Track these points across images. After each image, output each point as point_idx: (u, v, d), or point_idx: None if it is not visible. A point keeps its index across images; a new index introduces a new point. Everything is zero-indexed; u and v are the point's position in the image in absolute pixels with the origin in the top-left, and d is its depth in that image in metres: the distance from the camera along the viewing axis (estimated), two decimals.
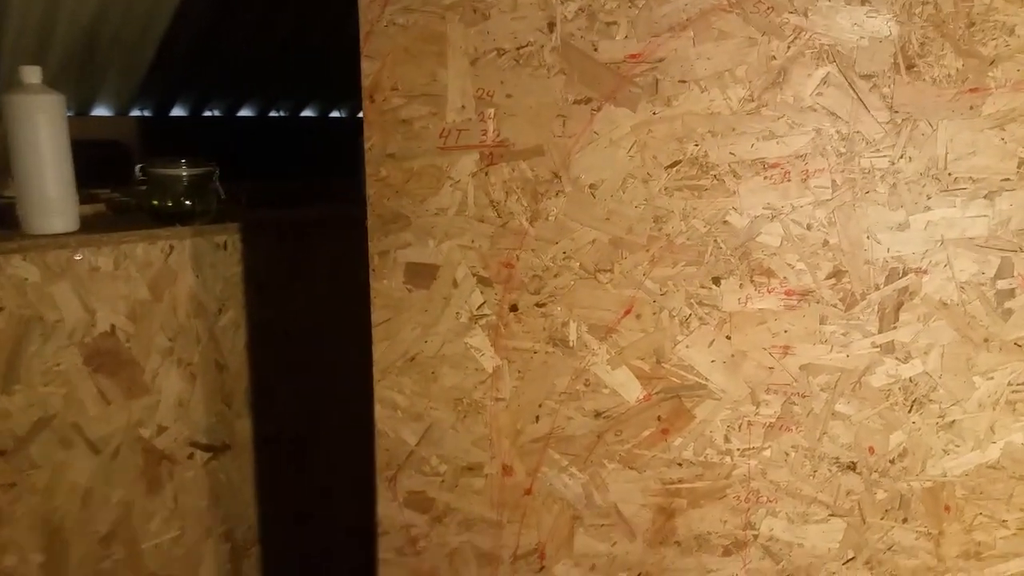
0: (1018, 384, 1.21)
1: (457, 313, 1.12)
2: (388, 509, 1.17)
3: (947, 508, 1.23)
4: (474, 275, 1.11)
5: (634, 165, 1.10)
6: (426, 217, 1.10)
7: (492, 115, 1.07)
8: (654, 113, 1.09)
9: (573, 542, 1.20)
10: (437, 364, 1.13)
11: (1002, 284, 1.18)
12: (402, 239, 1.10)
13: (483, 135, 1.08)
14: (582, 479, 1.18)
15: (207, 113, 2.59)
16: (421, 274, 1.11)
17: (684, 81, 1.08)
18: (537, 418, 1.16)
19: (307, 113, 2.86)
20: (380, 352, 1.13)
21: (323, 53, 2.29)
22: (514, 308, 1.12)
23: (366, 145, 1.07)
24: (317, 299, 1.48)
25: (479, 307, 1.12)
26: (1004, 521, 1.23)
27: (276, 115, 2.78)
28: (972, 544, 1.23)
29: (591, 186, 1.10)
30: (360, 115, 1.07)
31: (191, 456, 1.43)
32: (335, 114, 2.97)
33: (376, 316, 1.11)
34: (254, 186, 1.72)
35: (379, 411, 1.14)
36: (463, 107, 1.07)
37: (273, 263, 1.45)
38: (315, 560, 1.60)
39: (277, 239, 1.46)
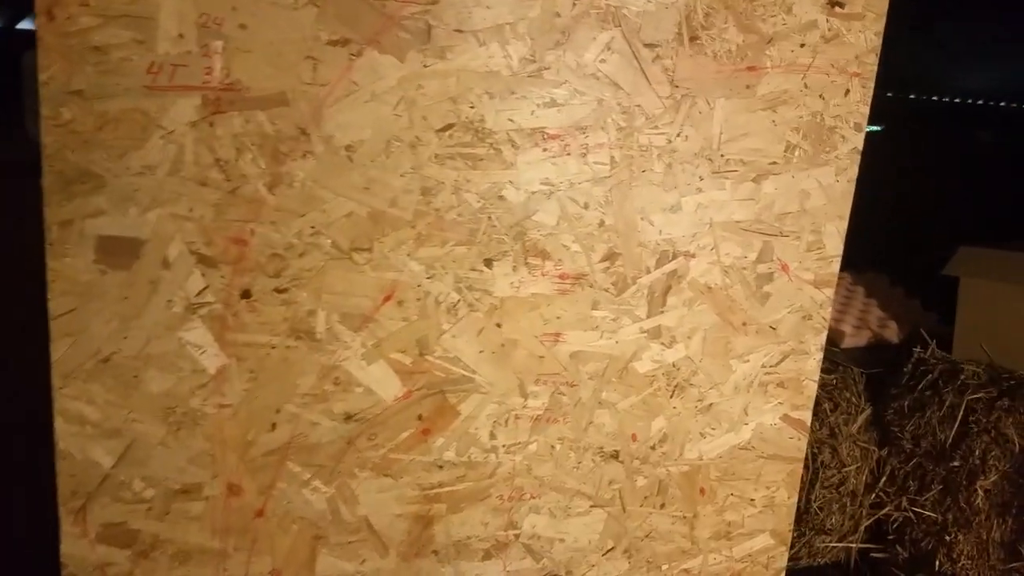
0: (770, 366, 1.27)
1: (169, 301, 0.93)
2: (75, 547, 0.97)
3: (702, 491, 1.27)
4: (193, 253, 0.92)
5: (400, 126, 0.97)
6: (127, 177, 0.88)
7: (220, 49, 0.88)
8: (425, 65, 0.96)
9: (315, 565, 1.08)
10: (141, 366, 0.93)
11: (762, 268, 1.23)
12: (93, 205, 0.88)
13: (207, 74, 0.88)
14: (327, 493, 1.05)
15: None
16: (119, 251, 0.90)
17: (460, 31, 0.96)
18: (274, 426, 1.01)
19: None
20: (61, 352, 0.90)
21: None
22: (246, 294, 0.95)
23: (41, 77, 0.83)
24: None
25: (199, 293, 0.93)
26: (752, 500, 1.31)
27: None
28: (723, 524, 1.30)
29: (348, 148, 0.96)
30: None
31: None
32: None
33: (56, 305, 0.88)
34: None
35: (61, 426, 0.92)
36: (181, 36, 0.86)
37: None
38: None
39: None
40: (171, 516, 1.02)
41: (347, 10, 0.94)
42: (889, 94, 3.42)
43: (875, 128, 3.46)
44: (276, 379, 1.02)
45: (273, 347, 1.01)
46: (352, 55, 0.95)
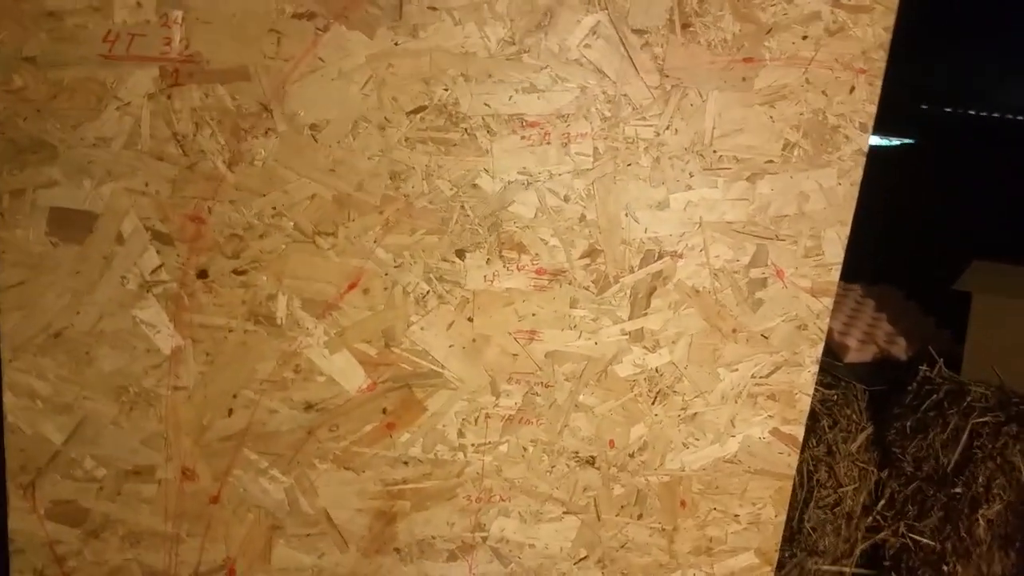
0: (761, 377, 1.21)
1: (123, 278, 0.90)
2: (24, 522, 0.95)
3: (683, 503, 1.22)
4: (148, 229, 0.90)
5: (369, 106, 0.93)
6: (81, 148, 0.86)
7: (179, 19, 0.85)
8: (396, 43, 0.92)
9: (271, 555, 1.05)
10: (93, 343, 0.91)
11: (755, 273, 1.17)
12: (45, 175, 0.86)
13: (166, 45, 0.85)
14: (285, 483, 1.02)
15: None
16: (72, 224, 0.87)
17: (434, 8, 0.92)
18: (230, 411, 0.98)
19: None
20: (12, 324, 0.89)
21: None
22: (203, 274, 0.92)
23: None
24: None
25: (154, 271, 0.91)
26: (736, 516, 1.25)
27: None
28: (704, 539, 1.25)
29: (312, 127, 0.92)
30: None
31: None
32: None
33: (6, 277, 0.87)
34: None
35: (10, 400, 0.91)
36: (139, 4, 0.84)
37: None
38: None
39: None
40: (123, 497, 1.00)
41: None
42: (924, 106, 3.31)
43: (908, 141, 3.35)
44: (233, 363, 0.99)
45: (231, 330, 0.98)
46: (318, 30, 0.91)
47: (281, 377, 1.01)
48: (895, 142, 3.31)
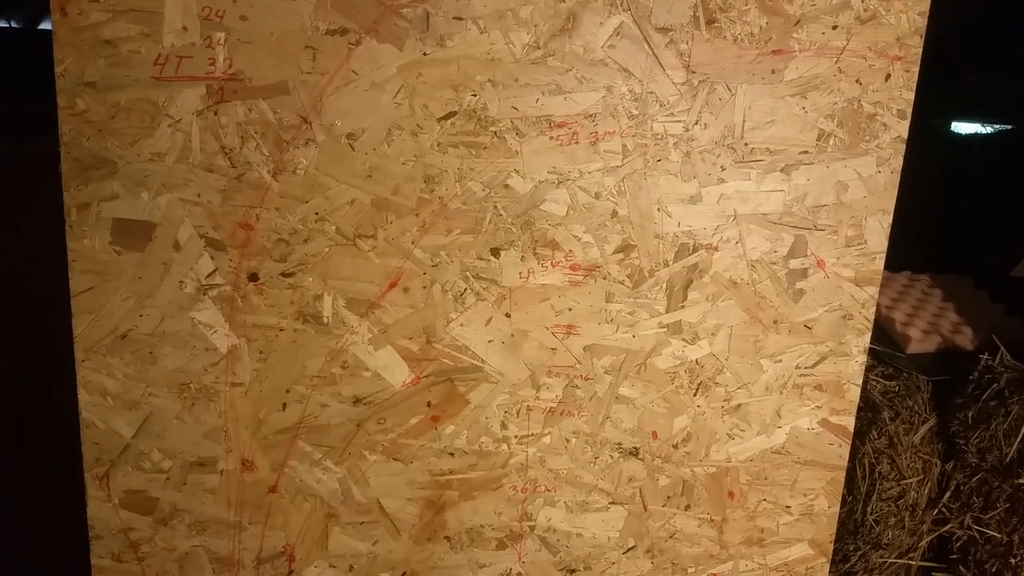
0: (806, 368, 1.17)
1: (181, 282, 0.94)
2: (100, 511, 1.00)
3: (731, 494, 1.19)
4: (202, 236, 0.94)
5: (401, 114, 0.95)
6: (138, 163, 0.90)
7: (222, 41, 0.89)
8: (425, 54, 0.94)
9: (327, 542, 1.07)
10: (156, 343, 0.95)
11: (794, 263, 1.13)
12: (107, 189, 0.90)
13: (211, 65, 0.89)
14: (338, 473, 1.05)
15: None
16: (133, 233, 0.92)
17: (460, 18, 0.93)
18: (284, 405, 1.01)
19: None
20: (83, 327, 0.94)
21: None
22: (254, 278, 0.95)
23: (57, 70, 0.87)
24: (38, 255, 1.24)
25: (209, 275, 0.95)
26: (787, 507, 1.21)
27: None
28: (755, 530, 1.21)
29: (349, 136, 0.94)
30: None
31: None
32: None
33: (76, 283, 0.92)
34: None
35: (84, 397, 0.96)
36: (184, 28, 0.88)
37: None
38: (41, 563, 1.39)
39: None
40: (188, 487, 1.04)
41: (344, 0, 0.93)
42: None
43: (1005, 127, 3.14)
44: (285, 360, 1.03)
45: (281, 329, 1.01)
46: (351, 44, 0.94)
47: (330, 373, 1.04)
48: (994, 128, 3.13)
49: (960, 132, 3.15)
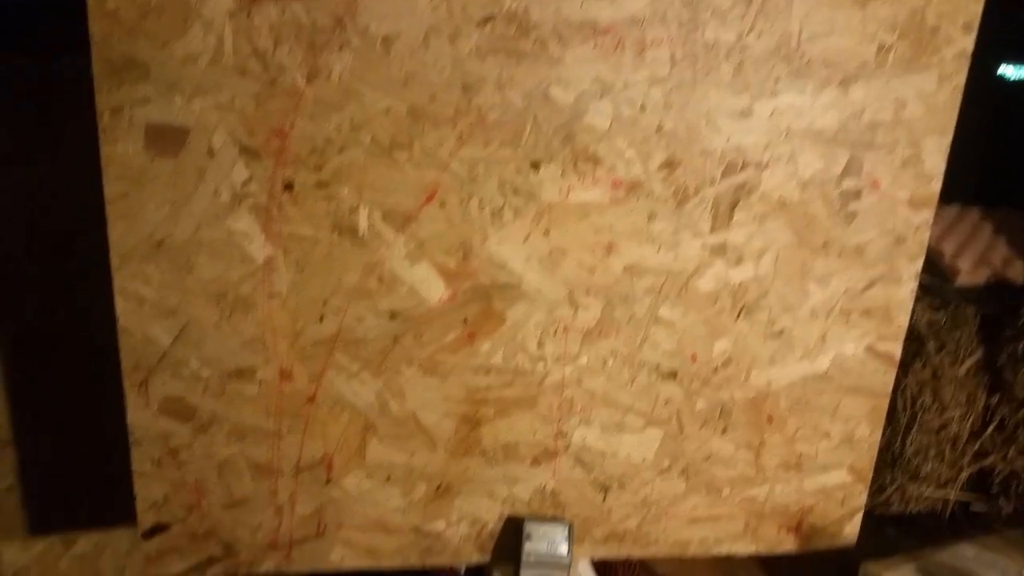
0: (855, 292, 1.12)
1: (216, 190, 0.92)
2: (140, 417, 1.00)
3: (770, 419, 1.16)
4: (236, 143, 0.91)
5: (439, 17, 0.91)
6: (171, 66, 0.87)
7: None
8: None
9: (365, 452, 1.07)
10: (193, 251, 0.94)
11: (848, 184, 1.08)
12: (140, 92, 0.88)
13: None
14: (375, 386, 1.04)
15: None
16: (166, 138, 0.90)
17: None
18: (321, 317, 0.99)
19: None
20: (118, 234, 0.93)
21: None
22: (289, 186, 0.93)
23: None
24: (74, 175, 1.22)
25: (244, 184, 0.92)
26: (827, 433, 1.19)
27: None
28: (793, 455, 1.19)
29: (384, 40, 0.90)
30: None
31: None
32: None
33: (110, 190, 0.90)
34: None
35: (121, 304, 0.95)
36: None
37: (10, 130, 1.18)
38: (79, 467, 1.42)
39: (12, 99, 1.19)
40: (227, 395, 1.04)
41: None
42: None
43: None
44: (321, 272, 1.01)
45: (318, 241, 0.99)
46: None
47: (366, 286, 1.02)
48: None
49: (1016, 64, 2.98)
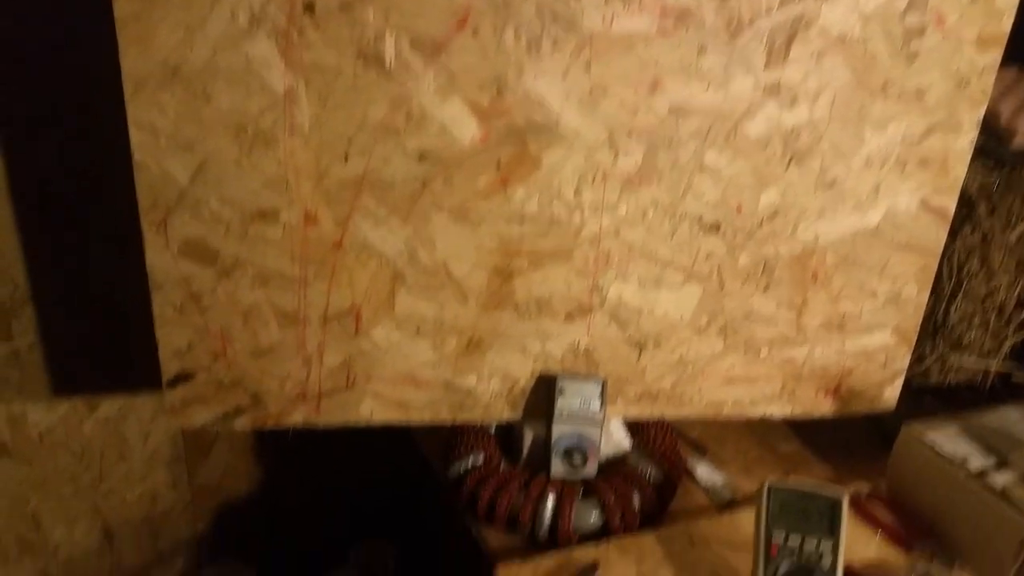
0: (912, 140, 1.04)
1: (233, 12, 0.84)
2: (160, 259, 0.96)
3: (814, 276, 1.11)
4: None
5: None
6: None
7: None
8: None
9: (394, 303, 1.02)
10: (209, 79, 0.87)
11: (912, 19, 0.99)
12: None
13: None
14: (404, 233, 0.99)
15: None
16: None
17: None
18: (346, 157, 0.93)
19: None
20: (130, 60, 0.86)
21: None
22: (310, 8, 0.85)
23: None
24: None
25: (262, 6, 0.84)
26: (874, 292, 1.13)
27: None
28: (836, 314, 1.14)
29: None
30: None
31: None
32: None
33: (120, 9, 0.83)
34: None
35: (136, 136, 0.89)
36: None
37: None
38: (105, 322, 1.39)
39: None
40: (249, 238, 0.99)
41: None
42: None
43: None
44: (346, 105, 0.94)
45: (341, 71, 0.92)
46: None
47: (393, 123, 0.95)
48: None
49: None
